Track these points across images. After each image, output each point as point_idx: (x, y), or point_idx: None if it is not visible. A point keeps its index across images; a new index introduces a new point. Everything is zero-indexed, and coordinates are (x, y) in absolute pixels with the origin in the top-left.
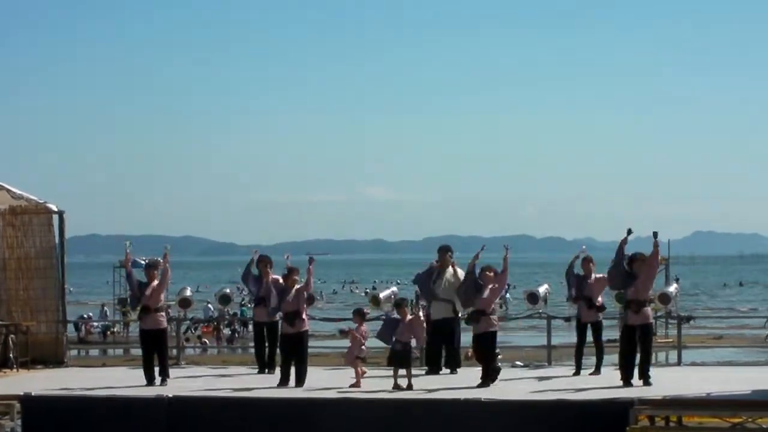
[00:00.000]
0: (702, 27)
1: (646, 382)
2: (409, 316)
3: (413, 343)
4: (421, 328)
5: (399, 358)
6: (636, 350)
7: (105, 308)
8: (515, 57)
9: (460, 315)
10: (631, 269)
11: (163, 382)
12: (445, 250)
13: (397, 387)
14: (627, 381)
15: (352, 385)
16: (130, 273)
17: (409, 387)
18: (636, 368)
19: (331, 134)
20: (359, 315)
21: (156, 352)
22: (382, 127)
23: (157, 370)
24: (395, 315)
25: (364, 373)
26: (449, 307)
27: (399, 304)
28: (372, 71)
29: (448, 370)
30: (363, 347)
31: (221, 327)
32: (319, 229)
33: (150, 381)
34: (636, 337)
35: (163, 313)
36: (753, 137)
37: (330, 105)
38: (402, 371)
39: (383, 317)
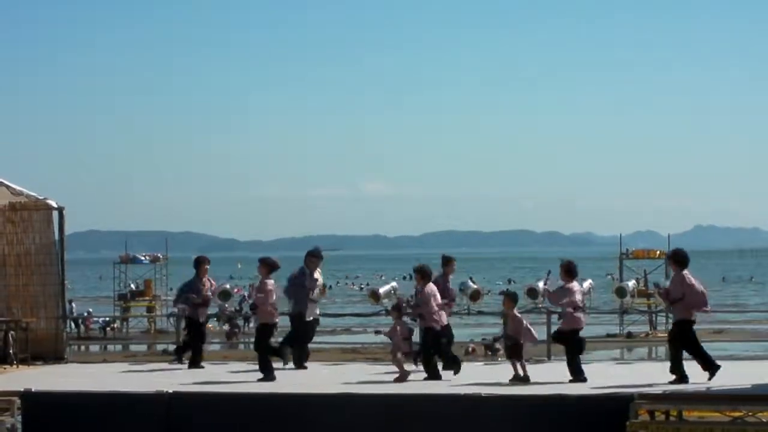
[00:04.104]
0: (703, 23)
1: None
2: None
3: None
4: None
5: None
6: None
7: (73, 304)
8: (515, 55)
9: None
10: None
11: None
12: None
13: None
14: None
15: (396, 380)
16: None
17: (526, 378)
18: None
19: (331, 130)
20: (397, 310)
21: None
22: (382, 122)
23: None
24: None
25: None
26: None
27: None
28: (372, 69)
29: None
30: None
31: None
32: (318, 224)
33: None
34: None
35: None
36: (753, 132)
37: (329, 101)
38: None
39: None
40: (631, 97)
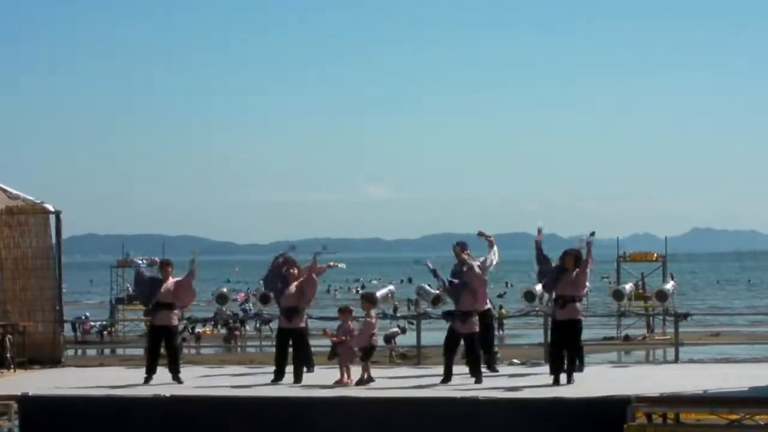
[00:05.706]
0: (703, 23)
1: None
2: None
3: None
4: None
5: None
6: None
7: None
8: (515, 56)
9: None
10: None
11: (176, 379)
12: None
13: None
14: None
15: (337, 382)
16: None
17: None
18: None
19: (330, 133)
20: (346, 312)
21: (166, 350)
22: (381, 125)
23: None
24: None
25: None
26: None
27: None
28: (371, 70)
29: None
30: (350, 344)
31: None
32: (317, 227)
33: (150, 376)
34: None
35: (176, 311)
36: (752, 134)
37: (328, 104)
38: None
39: None
40: (630, 101)
